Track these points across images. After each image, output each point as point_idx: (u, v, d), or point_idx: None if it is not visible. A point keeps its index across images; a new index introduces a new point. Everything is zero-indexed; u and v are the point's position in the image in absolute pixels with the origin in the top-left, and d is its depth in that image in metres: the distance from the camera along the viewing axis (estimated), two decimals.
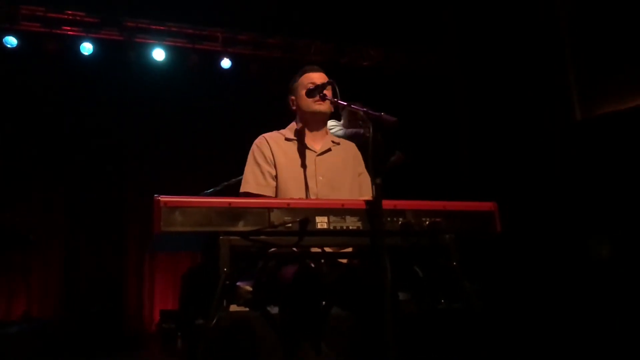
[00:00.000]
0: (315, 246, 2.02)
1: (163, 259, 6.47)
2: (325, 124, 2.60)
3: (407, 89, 6.73)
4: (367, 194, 2.47)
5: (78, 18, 6.06)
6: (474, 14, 6.11)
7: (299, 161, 2.46)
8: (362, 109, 1.98)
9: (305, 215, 1.80)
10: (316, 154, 2.50)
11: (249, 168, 2.48)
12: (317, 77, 2.51)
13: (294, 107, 2.57)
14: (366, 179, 2.59)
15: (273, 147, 2.48)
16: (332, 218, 1.84)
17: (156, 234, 1.68)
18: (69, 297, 5.96)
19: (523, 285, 4.69)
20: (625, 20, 4.66)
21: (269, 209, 1.79)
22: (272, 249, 1.93)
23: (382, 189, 1.86)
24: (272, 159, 2.45)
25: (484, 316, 1.98)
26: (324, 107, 2.47)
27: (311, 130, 2.54)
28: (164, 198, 1.69)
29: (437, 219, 1.95)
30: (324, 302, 2.28)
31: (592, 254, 4.34)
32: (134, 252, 6.44)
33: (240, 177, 3.00)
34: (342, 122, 4.13)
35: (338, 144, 2.62)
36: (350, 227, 1.86)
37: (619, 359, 3.48)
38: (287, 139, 2.53)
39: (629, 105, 4.57)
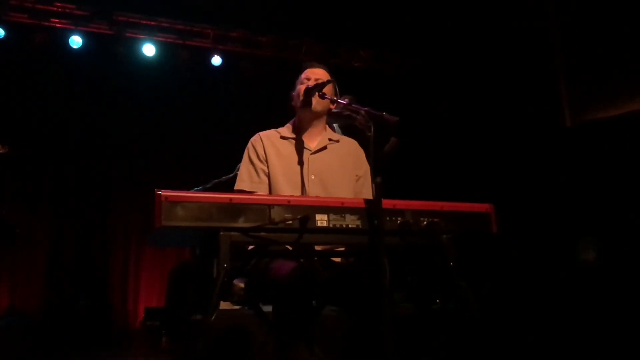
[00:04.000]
0: (314, 244, 2.02)
1: (149, 255, 6.42)
2: (320, 120, 2.55)
3: (397, 91, 6.76)
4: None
5: (67, 10, 5.98)
6: (467, 18, 6.16)
7: (292, 159, 2.46)
8: (363, 109, 1.98)
9: (305, 212, 1.80)
10: (310, 152, 2.49)
11: (244, 166, 2.49)
12: (316, 74, 2.49)
13: (293, 103, 2.57)
14: (366, 183, 2.55)
15: (266, 145, 2.48)
16: (332, 216, 1.85)
17: (156, 228, 1.67)
18: (53, 291, 5.89)
19: (516, 286, 4.74)
20: (615, 28, 4.74)
21: (270, 206, 1.79)
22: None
23: (382, 188, 1.87)
24: (264, 156, 2.46)
25: (479, 316, 2.00)
26: (314, 104, 2.43)
27: (307, 127, 2.52)
28: (165, 192, 1.68)
29: (435, 219, 1.96)
30: (317, 301, 2.28)
31: (581, 257, 4.40)
32: (120, 247, 6.39)
33: (230, 175, 3.00)
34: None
35: (337, 141, 2.59)
36: (350, 226, 1.87)
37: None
38: (282, 137, 2.53)
39: (617, 112, 4.64)
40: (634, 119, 4.53)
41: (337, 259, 2.34)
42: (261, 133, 2.55)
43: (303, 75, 2.52)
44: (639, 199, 4.20)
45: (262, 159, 2.45)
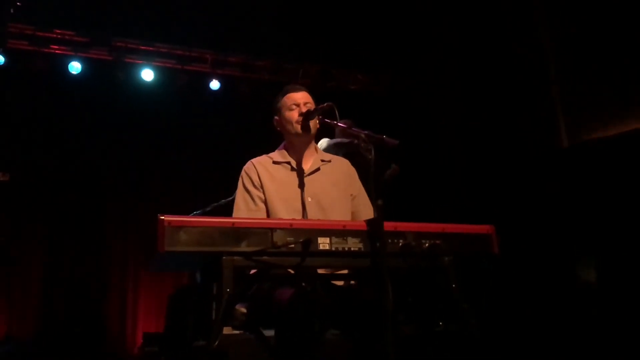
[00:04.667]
0: (317, 267, 2.03)
1: (147, 279, 6.37)
2: (313, 143, 2.58)
3: (394, 113, 6.81)
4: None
5: (67, 37, 6.04)
6: (463, 39, 6.24)
7: (287, 183, 2.47)
8: (363, 132, 2.00)
9: (307, 235, 1.81)
10: (305, 174, 2.50)
11: (240, 195, 2.48)
12: (300, 97, 2.51)
13: (279, 128, 2.59)
14: (362, 201, 2.57)
15: (260, 172, 2.48)
16: (334, 239, 1.85)
17: (159, 253, 1.67)
18: (49, 317, 5.82)
19: (516, 306, 4.73)
20: (610, 49, 4.81)
21: (272, 230, 1.79)
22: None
23: (383, 210, 1.88)
24: (259, 182, 2.46)
25: (481, 338, 1.99)
26: (313, 129, 2.47)
27: (299, 150, 2.54)
28: (168, 217, 1.69)
29: (437, 241, 1.97)
30: (319, 325, 2.27)
31: (581, 277, 4.40)
32: (117, 273, 6.34)
33: (230, 198, 3.00)
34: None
35: (329, 161, 2.60)
36: (352, 249, 1.87)
37: None
38: (275, 162, 2.53)
39: (613, 132, 4.69)
40: (630, 139, 4.57)
41: (340, 282, 2.34)
42: (253, 160, 2.55)
43: (289, 101, 2.52)
44: (636, 218, 4.22)
45: (257, 185, 2.45)
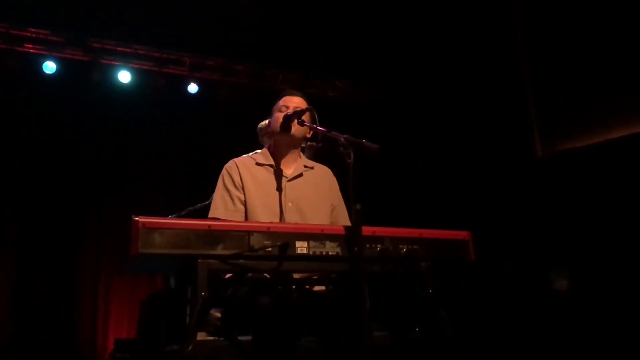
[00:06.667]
0: (294, 271, 2.01)
1: (118, 284, 6.25)
2: (297, 147, 2.58)
3: (372, 121, 6.84)
4: None
5: (42, 36, 5.92)
6: (439, 50, 6.31)
7: (268, 186, 2.45)
8: (342, 136, 1.99)
9: (285, 239, 1.79)
10: (287, 179, 2.49)
11: (219, 193, 2.45)
12: (294, 102, 2.51)
13: (270, 129, 2.58)
14: (341, 213, 2.57)
15: (242, 172, 2.46)
16: (312, 243, 1.84)
17: (132, 256, 1.63)
18: (17, 324, 5.65)
19: (490, 313, 4.76)
20: (586, 58, 4.91)
21: (249, 233, 1.77)
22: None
23: (361, 215, 1.87)
24: (240, 183, 2.43)
25: (456, 344, 1.99)
26: (293, 130, 2.44)
27: (282, 153, 2.52)
28: (142, 219, 1.65)
29: (414, 247, 1.97)
30: (295, 331, 2.24)
31: (553, 285, 4.46)
32: (88, 277, 6.19)
33: (205, 203, 2.96)
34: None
35: (312, 168, 2.60)
36: (330, 253, 1.86)
37: None
38: (258, 164, 2.52)
39: (587, 143, 4.79)
40: (601, 149, 4.67)
41: (318, 287, 2.32)
42: (236, 159, 2.53)
43: (281, 103, 2.53)
44: (610, 228, 4.30)
45: (238, 186, 2.43)
